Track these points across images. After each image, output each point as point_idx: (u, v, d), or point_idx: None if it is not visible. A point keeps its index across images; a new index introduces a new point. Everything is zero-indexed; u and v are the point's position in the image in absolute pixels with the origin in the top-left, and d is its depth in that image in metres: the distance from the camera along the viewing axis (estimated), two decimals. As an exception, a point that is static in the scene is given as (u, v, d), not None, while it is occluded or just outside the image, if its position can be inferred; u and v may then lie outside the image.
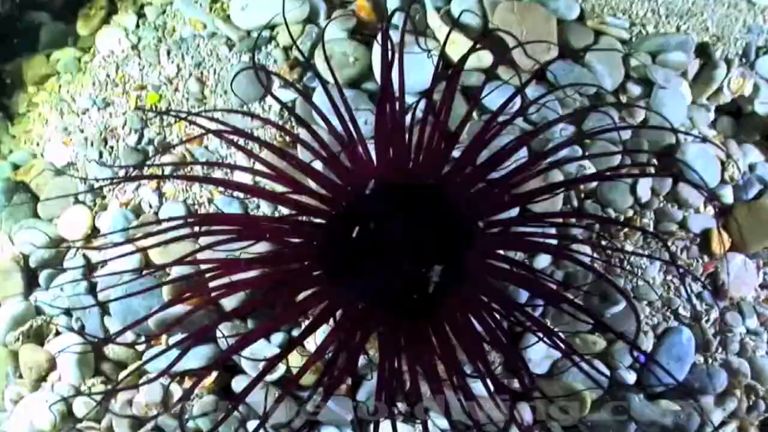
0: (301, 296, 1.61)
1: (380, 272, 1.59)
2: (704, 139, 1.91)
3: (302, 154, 1.80)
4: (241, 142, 1.88)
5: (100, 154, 2.05)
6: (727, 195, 1.94)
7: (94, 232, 1.97)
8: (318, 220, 1.67)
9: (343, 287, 1.59)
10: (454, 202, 1.64)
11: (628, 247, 1.82)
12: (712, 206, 1.87)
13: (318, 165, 1.75)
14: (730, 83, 1.99)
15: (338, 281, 1.59)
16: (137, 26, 2.26)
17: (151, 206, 1.97)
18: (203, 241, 1.75)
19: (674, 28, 2.03)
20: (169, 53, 2.16)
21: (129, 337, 1.79)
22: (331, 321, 1.58)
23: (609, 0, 2.03)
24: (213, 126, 1.86)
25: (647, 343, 1.76)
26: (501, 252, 1.65)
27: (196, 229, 1.76)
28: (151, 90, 2.11)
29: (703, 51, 2.03)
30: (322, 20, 2.12)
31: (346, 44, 2.01)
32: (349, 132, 1.71)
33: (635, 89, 1.95)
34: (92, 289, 1.87)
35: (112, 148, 2.06)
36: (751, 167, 2.00)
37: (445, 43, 1.83)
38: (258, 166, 1.77)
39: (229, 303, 1.72)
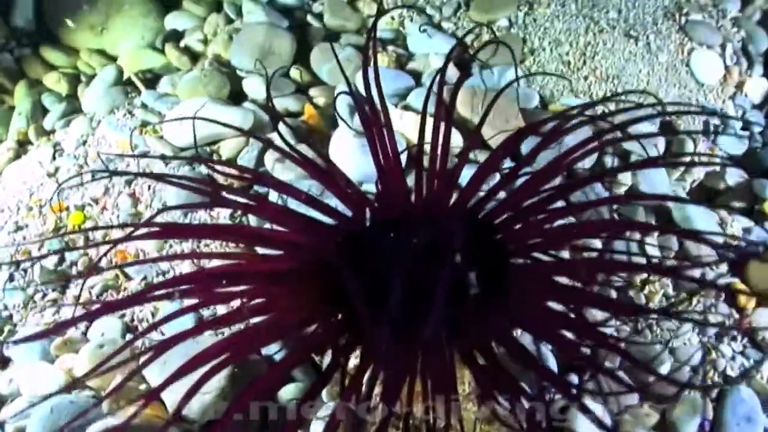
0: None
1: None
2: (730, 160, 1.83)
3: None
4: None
5: (11, 278, 1.68)
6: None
7: (4, 364, 1.54)
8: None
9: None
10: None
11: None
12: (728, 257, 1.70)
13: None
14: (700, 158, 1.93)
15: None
16: (54, 158, 2.01)
17: (77, 328, 1.58)
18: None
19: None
20: (93, 176, 1.90)
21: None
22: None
23: (567, 85, 1.99)
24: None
25: (707, 408, 1.47)
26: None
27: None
28: (74, 210, 1.82)
29: (667, 128, 1.99)
30: (267, 131, 1.97)
31: (300, 148, 1.83)
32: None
33: (613, 162, 1.85)
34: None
35: (25, 271, 1.70)
36: (746, 230, 1.88)
37: (423, 118, 1.66)
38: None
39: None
